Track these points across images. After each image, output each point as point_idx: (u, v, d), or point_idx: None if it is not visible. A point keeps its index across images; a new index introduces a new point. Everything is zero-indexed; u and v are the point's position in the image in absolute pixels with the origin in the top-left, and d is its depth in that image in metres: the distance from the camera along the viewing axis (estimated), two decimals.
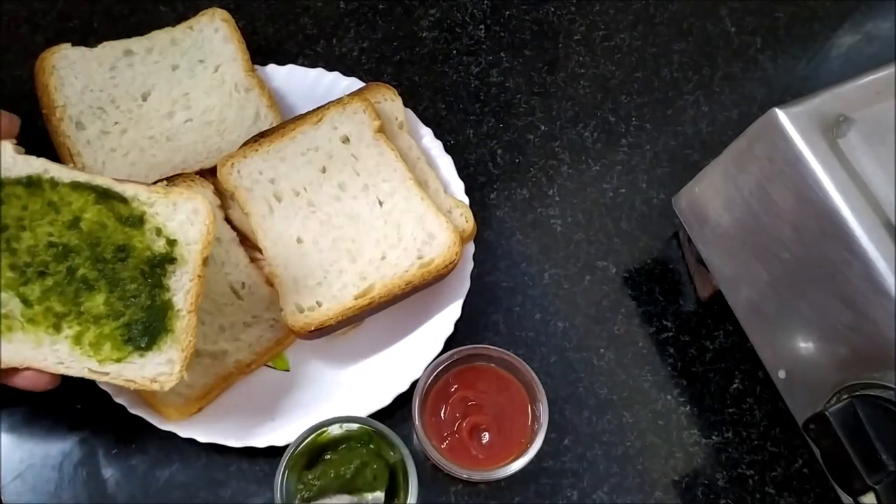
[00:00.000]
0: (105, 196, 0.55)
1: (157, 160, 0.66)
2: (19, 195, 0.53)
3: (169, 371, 0.54)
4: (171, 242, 0.55)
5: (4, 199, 0.53)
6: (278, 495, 0.54)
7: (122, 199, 0.55)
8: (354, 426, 0.57)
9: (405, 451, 0.56)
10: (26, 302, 0.53)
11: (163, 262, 0.54)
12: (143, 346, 0.53)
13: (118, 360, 0.53)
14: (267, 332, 0.63)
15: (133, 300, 0.54)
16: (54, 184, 0.54)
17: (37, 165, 0.54)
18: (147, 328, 0.53)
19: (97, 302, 0.53)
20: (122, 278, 0.54)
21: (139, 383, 0.53)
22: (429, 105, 0.75)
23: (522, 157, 0.74)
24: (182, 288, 0.54)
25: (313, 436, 0.56)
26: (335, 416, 0.57)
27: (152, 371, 0.53)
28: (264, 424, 0.61)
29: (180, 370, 0.54)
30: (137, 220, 0.55)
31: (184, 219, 0.55)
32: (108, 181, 0.55)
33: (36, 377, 0.53)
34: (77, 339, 0.53)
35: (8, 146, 0.54)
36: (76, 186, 0.54)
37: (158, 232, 0.55)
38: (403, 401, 0.61)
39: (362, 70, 0.76)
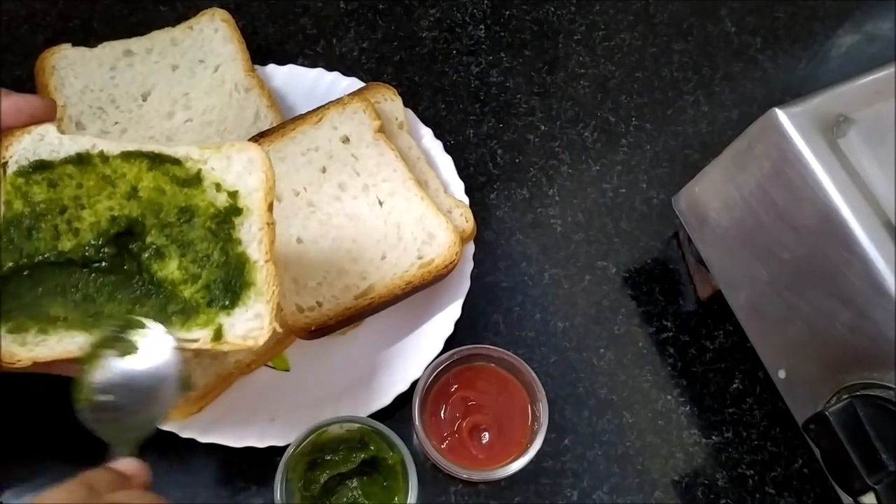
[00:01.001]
0: (158, 161, 0.52)
1: None
2: (72, 175, 0.51)
3: (259, 325, 0.51)
4: (233, 195, 0.52)
5: (58, 181, 0.51)
6: (278, 495, 0.54)
7: (176, 161, 0.53)
8: (354, 426, 0.57)
9: (405, 452, 0.56)
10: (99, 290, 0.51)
11: (229, 216, 0.52)
12: (227, 304, 0.51)
13: (205, 325, 0.51)
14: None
15: (207, 259, 0.51)
16: (105, 157, 0.52)
17: (84, 142, 0.52)
18: (227, 285, 0.51)
19: (171, 268, 0.51)
20: (191, 240, 0.51)
21: (231, 343, 0.51)
22: (429, 105, 0.75)
23: (522, 157, 0.74)
24: (254, 238, 0.52)
25: (313, 436, 0.56)
26: (335, 417, 0.57)
27: (242, 329, 0.51)
28: (264, 424, 0.61)
29: (270, 322, 0.51)
30: (195, 179, 0.53)
31: (241, 169, 0.53)
32: (158, 147, 0.53)
33: None
34: (161, 310, 0.51)
35: (51, 128, 0.52)
36: (127, 156, 0.52)
37: (218, 187, 0.52)
38: (403, 401, 0.61)
39: (362, 70, 0.76)
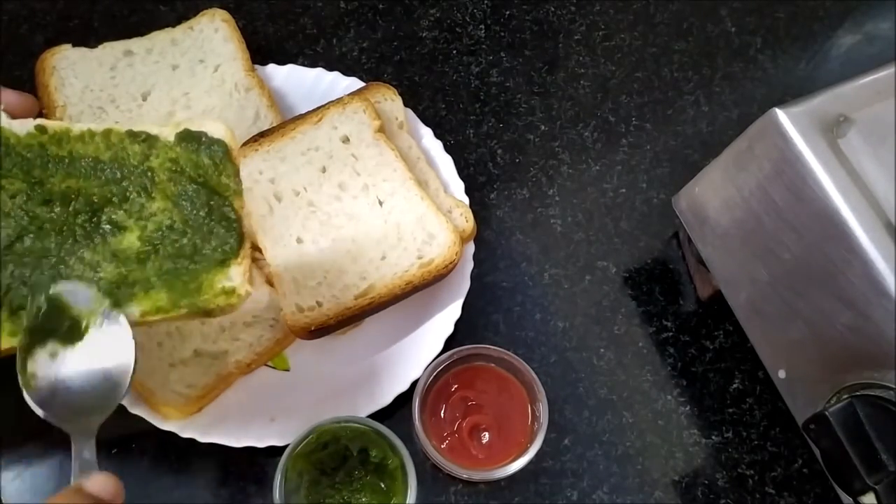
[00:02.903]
0: (132, 136, 0.51)
1: None
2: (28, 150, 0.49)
3: (234, 286, 0.49)
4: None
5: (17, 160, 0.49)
6: (276, 495, 0.54)
7: (138, 135, 0.51)
8: (355, 426, 0.57)
9: (405, 452, 0.56)
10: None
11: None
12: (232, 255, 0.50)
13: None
14: (267, 331, 0.63)
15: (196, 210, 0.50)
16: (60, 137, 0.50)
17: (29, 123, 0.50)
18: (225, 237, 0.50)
19: (132, 239, 0.49)
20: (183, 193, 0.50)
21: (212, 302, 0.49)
22: (429, 105, 0.75)
23: (522, 157, 0.74)
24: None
25: (313, 436, 0.56)
26: (335, 416, 0.57)
27: (219, 289, 0.49)
28: (264, 424, 0.61)
29: (243, 284, 0.49)
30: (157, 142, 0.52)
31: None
32: (122, 127, 0.52)
33: None
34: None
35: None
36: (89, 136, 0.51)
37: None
38: (403, 400, 0.61)
39: (362, 70, 0.76)
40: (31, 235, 0.48)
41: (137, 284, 0.48)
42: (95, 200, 0.50)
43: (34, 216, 0.48)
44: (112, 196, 0.50)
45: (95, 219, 0.49)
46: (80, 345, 0.47)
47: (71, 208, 0.49)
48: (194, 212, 0.51)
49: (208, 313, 0.50)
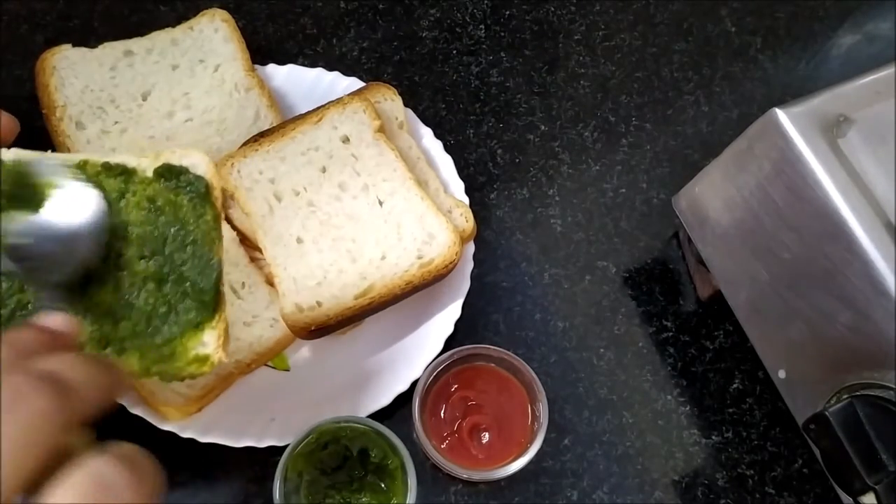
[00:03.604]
0: (108, 169, 0.48)
1: None
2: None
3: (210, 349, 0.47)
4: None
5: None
6: (277, 495, 0.54)
7: (115, 168, 0.48)
8: (355, 426, 0.57)
9: (405, 452, 0.56)
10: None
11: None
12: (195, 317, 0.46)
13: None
14: (267, 331, 0.63)
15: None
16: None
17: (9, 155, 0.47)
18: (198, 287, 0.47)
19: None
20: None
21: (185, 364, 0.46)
22: (429, 105, 0.75)
23: (522, 157, 0.74)
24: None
25: (313, 436, 0.56)
26: (335, 417, 0.57)
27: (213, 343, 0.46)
28: (264, 424, 0.61)
29: (219, 346, 0.46)
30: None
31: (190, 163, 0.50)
32: (91, 155, 0.49)
33: None
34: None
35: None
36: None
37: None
38: (403, 400, 0.61)
39: (362, 70, 0.76)
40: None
41: (111, 345, 0.46)
42: None
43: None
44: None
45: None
46: (47, 210, 0.44)
47: None
48: (171, 261, 0.47)
49: (175, 379, 0.47)
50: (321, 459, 0.57)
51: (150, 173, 0.49)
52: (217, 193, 0.50)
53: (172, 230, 0.48)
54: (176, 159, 0.50)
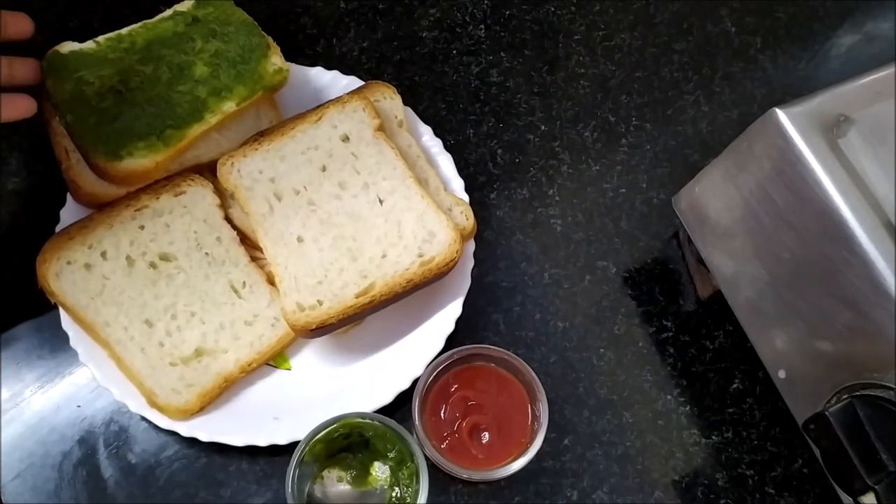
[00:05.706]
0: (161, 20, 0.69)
1: None
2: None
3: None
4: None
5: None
6: (289, 489, 0.54)
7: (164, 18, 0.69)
8: (367, 422, 0.57)
9: (416, 449, 0.56)
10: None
11: None
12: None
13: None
14: (268, 330, 0.63)
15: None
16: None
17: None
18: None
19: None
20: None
21: None
22: (429, 105, 0.75)
23: (522, 157, 0.74)
24: None
25: (338, 425, 0.56)
26: (350, 412, 0.57)
27: None
28: (266, 423, 0.61)
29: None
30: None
31: None
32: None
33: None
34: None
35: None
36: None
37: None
38: (404, 399, 0.61)
39: (362, 69, 0.76)
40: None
41: (223, 90, 0.64)
42: (165, 56, 0.66)
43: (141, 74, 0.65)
44: (172, 50, 0.66)
45: (173, 67, 0.65)
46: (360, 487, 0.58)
47: (155, 67, 0.65)
48: (227, 36, 0.66)
49: (273, 89, 0.66)
50: (340, 448, 0.57)
51: (189, 7, 0.69)
52: None
53: (217, 23, 0.68)
54: None
